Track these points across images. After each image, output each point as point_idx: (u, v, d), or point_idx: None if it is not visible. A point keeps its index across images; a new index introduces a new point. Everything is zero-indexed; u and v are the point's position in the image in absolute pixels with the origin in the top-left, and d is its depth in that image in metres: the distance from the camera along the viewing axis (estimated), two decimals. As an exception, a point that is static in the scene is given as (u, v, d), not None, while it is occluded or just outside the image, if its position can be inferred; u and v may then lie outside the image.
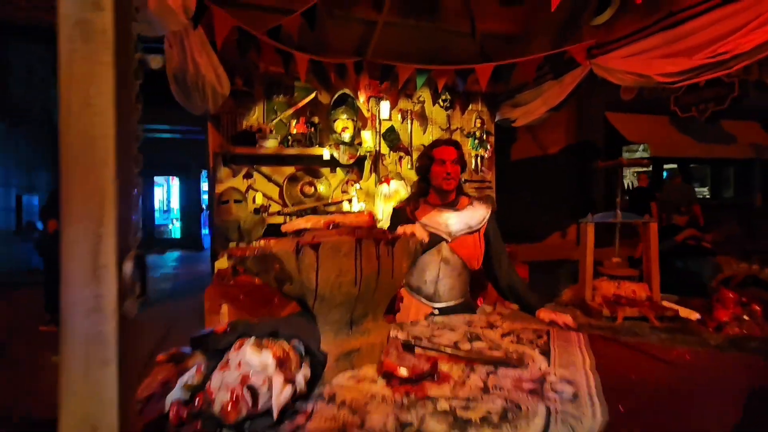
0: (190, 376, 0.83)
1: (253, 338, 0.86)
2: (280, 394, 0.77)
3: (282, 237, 1.08)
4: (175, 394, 0.80)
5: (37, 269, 7.67)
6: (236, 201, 2.52)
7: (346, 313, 1.05)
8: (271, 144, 2.62)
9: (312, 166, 2.92)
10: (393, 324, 1.43)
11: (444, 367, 1.05)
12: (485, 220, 1.67)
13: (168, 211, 13.88)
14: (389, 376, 0.97)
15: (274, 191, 2.84)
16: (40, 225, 8.35)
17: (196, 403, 0.77)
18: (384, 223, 2.91)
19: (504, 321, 1.47)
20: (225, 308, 2.37)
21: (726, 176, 10.92)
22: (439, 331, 1.36)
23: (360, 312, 1.08)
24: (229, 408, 0.74)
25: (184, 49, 1.88)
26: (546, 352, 1.14)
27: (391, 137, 3.06)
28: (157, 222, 11.84)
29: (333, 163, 2.96)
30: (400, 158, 3.10)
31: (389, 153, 3.09)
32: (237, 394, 0.76)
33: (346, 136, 2.74)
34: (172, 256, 9.65)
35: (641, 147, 10.16)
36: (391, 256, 1.09)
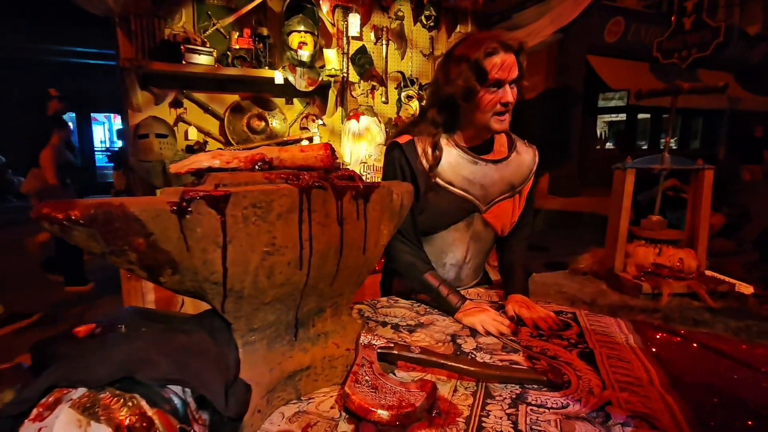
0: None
1: (78, 392, 0.42)
2: None
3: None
4: None
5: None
6: (158, 135, 1.95)
7: (285, 313, 0.62)
8: (204, 60, 2.01)
9: (262, 95, 2.33)
10: (360, 315, 1.02)
11: (443, 389, 0.67)
12: (532, 174, 1.10)
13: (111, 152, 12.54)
14: (359, 419, 0.58)
15: (213, 125, 2.26)
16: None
17: None
18: (352, 168, 2.42)
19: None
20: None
21: (695, 128, 10.98)
22: (428, 317, 0.98)
23: (312, 306, 0.66)
24: None
25: None
26: (587, 356, 0.78)
27: (361, 61, 2.49)
28: (98, 164, 10.63)
29: (289, 92, 2.39)
30: (373, 89, 2.56)
31: (359, 82, 2.54)
32: None
33: (305, 55, 2.16)
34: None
35: (617, 95, 9.87)
36: (363, 217, 0.65)
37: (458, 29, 2.75)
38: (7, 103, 8.95)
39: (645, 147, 10.30)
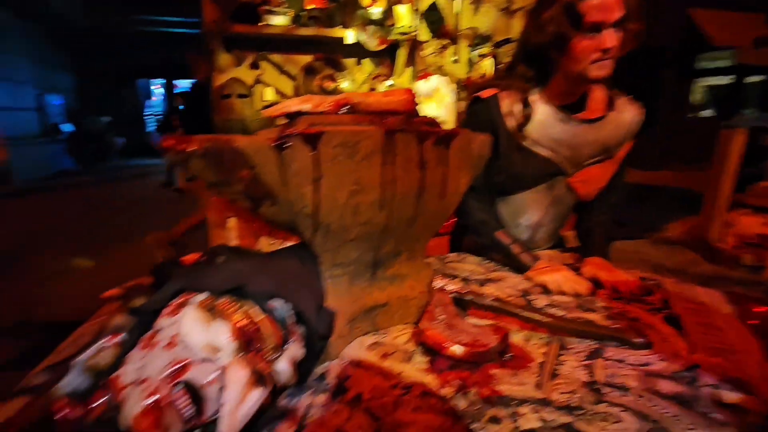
0: (99, 350, 0.49)
1: (201, 296, 0.49)
2: (238, 405, 0.42)
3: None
4: (70, 380, 0.47)
5: (65, 171, 7.77)
6: (240, 96, 2.06)
7: (366, 252, 0.66)
8: (280, 21, 2.06)
9: (333, 56, 2.36)
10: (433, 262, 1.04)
11: (515, 337, 0.68)
12: (632, 136, 0.99)
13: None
14: (433, 354, 0.61)
15: (287, 86, 2.35)
16: (66, 127, 8.29)
17: (94, 403, 0.43)
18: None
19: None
20: (233, 222, 2.05)
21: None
22: (498, 273, 0.98)
23: (389, 250, 0.69)
24: (144, 424, 0.40)
25: None
26: (673, 321, 0.74)
27: (432, 18, 2.40)
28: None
29: (359, 52, 2.39)
30: (443, 47, 2.47)
31: (430, 40, 2.45)
32: (160, 396, 0.41)
33: (376, 12, 2.13)
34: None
35: (720, 55, 8.43)
36: (444, 163, 0.66)
37: (541, -22, 2.52)
38: (106, 72, 9.96)
39: (754, 115, 8.80)
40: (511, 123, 0.95)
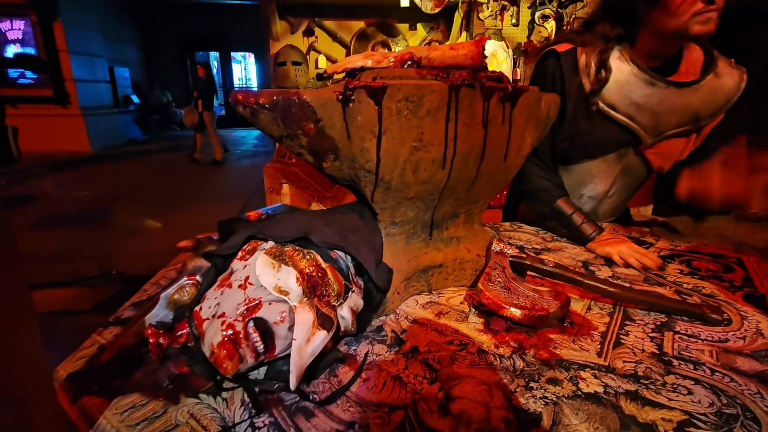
0: (180, 287, 0.53)
1: (269, 244, 0.51)
2: (304, 345, 0.44)
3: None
4: (156, 312, 0.52)
5: (134, 139, 8.38)
6: (294, 63, 2.09)
7: (424, 211, 0.66)
8: (335, -15, 2.04)
9: (387, 20, 2.30)
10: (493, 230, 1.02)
11: (576, 305, 0.65)
12: (730, 105, 0.86)
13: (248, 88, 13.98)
14: (490, 315, 0.61)
15: (340, 53, 2.34)
16: (135, 98, 8.87)
17: (177, 334, 0.48)
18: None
19: (656, 234, 0.99)
20: (287, 188, 2.13)
21: None
22: (556, 243, 0.94)
23: (447, 210, 0.68)
24: (222, 353, 0.43)
25: None
26: (756, 299, 0.68)
27: (493, -23, 2.26)
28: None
29: (414, 16, 2.31)
30: (503, 9, 2.32)
31: (488, 2, 2.32)
32: (235, 330, 0.44)
33: (433, -27, 2.04)
34: (252, 134, 9.89)
35: None
36: (509, 122, 0.63)
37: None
38: (166, 44, 10.43)
39: None
40: (586, 83, 0.87)
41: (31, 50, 6.42)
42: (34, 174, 5.16)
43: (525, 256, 0.69)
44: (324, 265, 0.49)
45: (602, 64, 0.85)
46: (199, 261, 0.57)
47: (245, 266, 0.49)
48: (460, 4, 2.19)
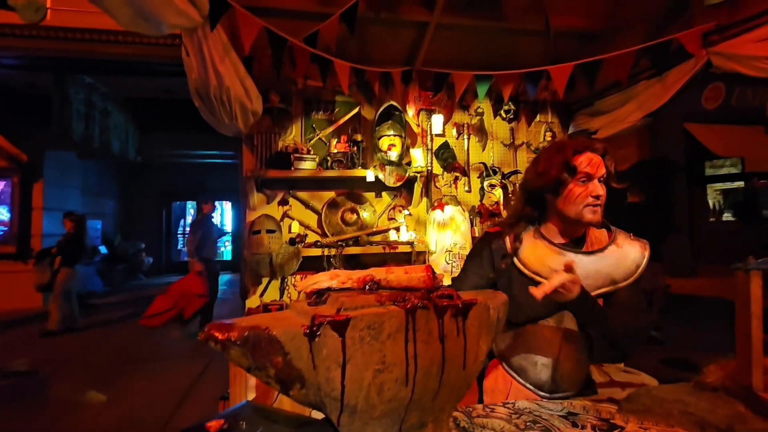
0: None
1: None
2: None
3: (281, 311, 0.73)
4: None
5: (94, 292, 8.04)
6: (269, 231, 2.24)
7: (391, 427, 0.65)
8: (308, 165, 2.34)
9: (354, 191, 2.59)
10: (456, 425, 1.00)
11: None
12: (641, 270, 1.03)
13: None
14: None
15: (312, 219, 2.54)
16: (103, 248, 8.83)
17: None
18: (438, 257, 2.46)
19: (625, 413, 1.00)
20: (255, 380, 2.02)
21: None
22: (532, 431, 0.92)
23: (414, 421, 0.68)
24: None
25: (203, 56, 1.65)
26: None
27: (444, 155, 2.67)
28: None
29: (378, 187, 2.62)
30: (456, 179, 2.70)
31: (443, 173, 2.70)
32: None
33: (393, 155, 2.40)
34: (223, 279, 9.77)
35: (728, 162, 8.81)
36: (463, 333, 0.69)
37: (538, 118, 2.85)
38: (144, 197, 10.98)
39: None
40: (511, 249, 1.09)
41: (5, 208, 6.55)
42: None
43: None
44: None
45: (516, 236, 1.09)
46: None
47: None
48: (419, 178, 2.52)
